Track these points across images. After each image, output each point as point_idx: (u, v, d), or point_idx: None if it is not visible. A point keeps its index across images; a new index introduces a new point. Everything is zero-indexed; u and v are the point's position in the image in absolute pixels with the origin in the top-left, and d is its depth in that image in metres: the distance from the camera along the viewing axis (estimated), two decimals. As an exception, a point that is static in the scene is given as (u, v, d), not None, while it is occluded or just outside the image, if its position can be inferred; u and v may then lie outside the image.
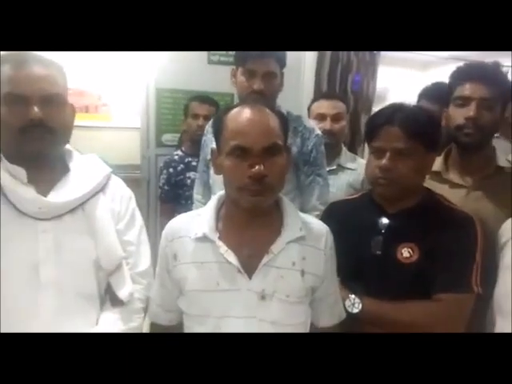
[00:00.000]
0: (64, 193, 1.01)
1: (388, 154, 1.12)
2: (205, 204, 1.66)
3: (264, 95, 1.50)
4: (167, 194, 2.33)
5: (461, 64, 1.37)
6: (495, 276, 1.14)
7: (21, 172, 0.98)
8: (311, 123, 1.70)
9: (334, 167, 1.98)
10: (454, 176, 1.38)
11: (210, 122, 1.76)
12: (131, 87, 3.49)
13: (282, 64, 1.59)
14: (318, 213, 1.53)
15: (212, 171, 1.64)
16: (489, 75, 1.29)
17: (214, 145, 1.45)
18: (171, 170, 2.31)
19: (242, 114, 0.94)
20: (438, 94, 1.68)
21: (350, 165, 2.01)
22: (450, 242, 1.12)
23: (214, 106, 2.33)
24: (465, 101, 1.30)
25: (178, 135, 2.78)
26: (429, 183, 1.24)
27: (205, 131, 1.81)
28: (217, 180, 1.63)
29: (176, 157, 2.34)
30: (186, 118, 2.40)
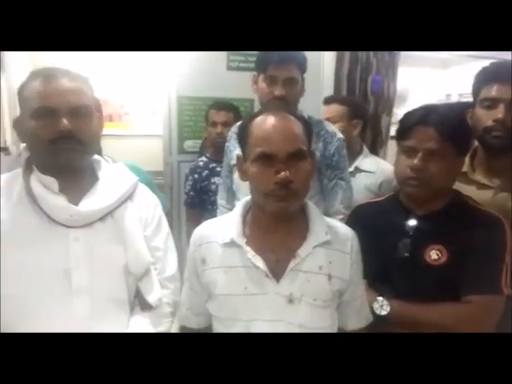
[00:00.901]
0: (94, 201, 1.04)
1: (420, 154, 1.11)
2: (229, 209, 1.69)
3: (285, 101, 1.50)
4: (193, 200, 2.36)
5: (486, 64, 1.35)
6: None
7: (52, 182, 1.01)
8: (333, 127, 1.69)
9: (351, 170, 1.96)
10: (480, 177, 1.36)
11: (233, 128, 1.78)
12: (153, 96, 3.56)
13: (303, 69, 1.59)
14: (341, 216, 1.52)
15: (235, 176, 1.65)
16: None
17: (238, 151, 1.47)
18: (196, 175, 2.33)
19: (267, 121, 0.95)
20: None
21: (368, 167, 1.99)
22: (478, 244, 1.10)
23: (232, 112, 2.34)
24: (492, 102, 1.27)
25: (200, 142, 2.82)
26: (456, 184, 1.22)
27: (228, 137, 1.83)
28: (240, 185, 1.64)
29: (201, 163, 2.37)
30: (206, 125, 2.43)
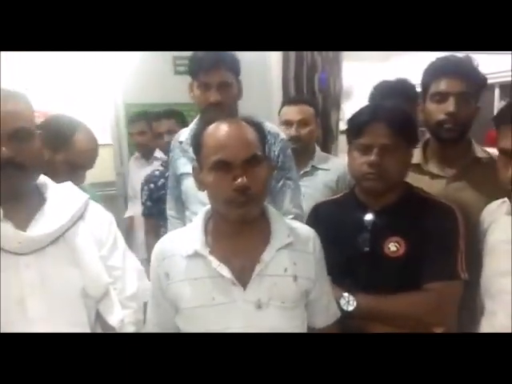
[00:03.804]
0: (43, 225, 0.99)
1: (376, 150, 1.14)
2: (179, 219, 1.65)
3: (222, 106, 1.47)
4: (150, 210, 2.30)
5: (426, 54, 1.40)
6: (480, 262, 1.18)
7: None
8: (275, 128, 1.66)
9: (308, 169, 1.98)
10: (433, 167, 1.42)
11: (176, 136, 1.72)
12: (99, 105, 3.43)
13: (236, 72, 1.56)
14: (292, 216, 1.50)
15: (184, 186, 1.62)
16: (464, 69, 1.32)
17: (182, 160, 1.42)
18: (152, 185, 2.27)
19: (220, 129, 0.96)
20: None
21: (323, 165, 2.01)
22: (433, 233, 1.15)
23: (173, 118, 2.34)
24: (442, 96, 1.32)
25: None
26: (409, 175, 1.26)
27: (171, 146, 1.76)
28: (189, 195, 1.59)
29: (156, 172, 2.31)
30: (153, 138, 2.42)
